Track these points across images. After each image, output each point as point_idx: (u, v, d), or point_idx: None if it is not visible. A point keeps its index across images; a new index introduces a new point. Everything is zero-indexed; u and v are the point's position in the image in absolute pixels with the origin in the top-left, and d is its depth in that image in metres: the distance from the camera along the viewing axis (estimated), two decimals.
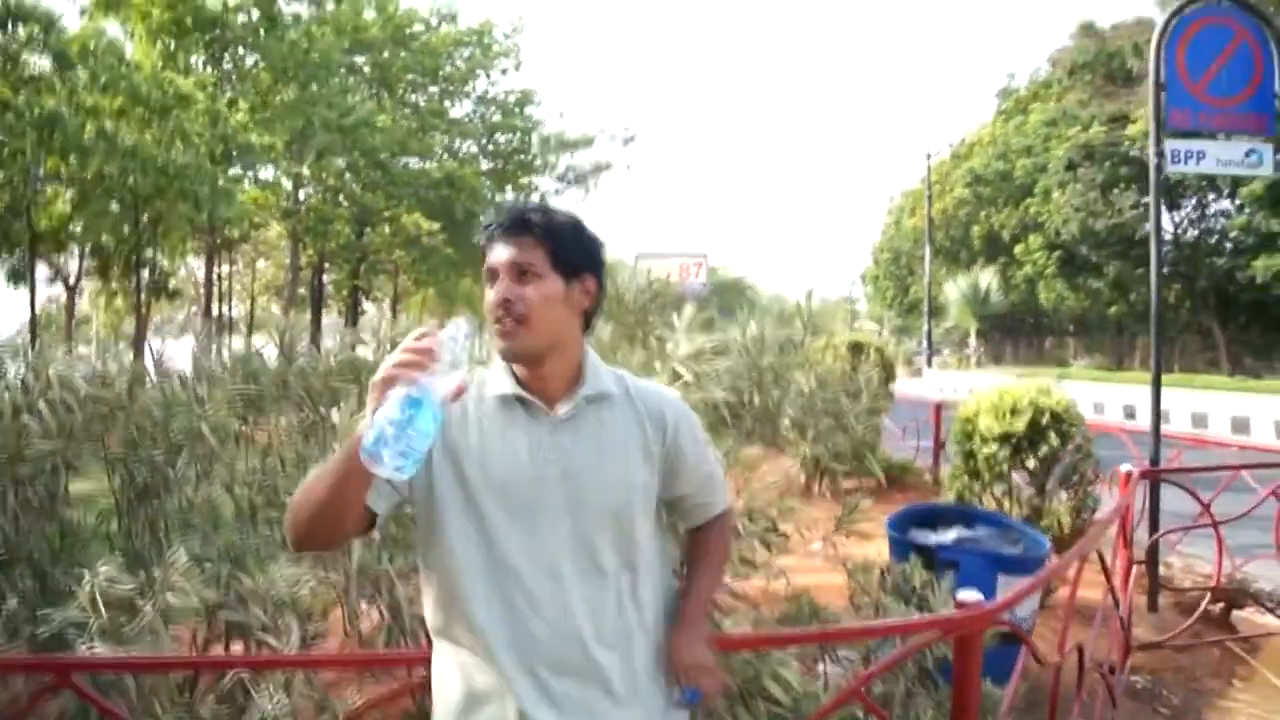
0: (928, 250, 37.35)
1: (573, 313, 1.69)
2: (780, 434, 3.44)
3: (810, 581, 4.75)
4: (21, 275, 22.76)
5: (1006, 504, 5.77)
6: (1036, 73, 43.78)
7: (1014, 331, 47.04)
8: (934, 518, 5.01)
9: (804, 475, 4.18)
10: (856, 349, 10.10)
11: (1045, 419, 5.62)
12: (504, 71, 29.78)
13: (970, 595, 2.45)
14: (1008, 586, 4.25)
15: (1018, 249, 38.59)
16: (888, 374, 9.93)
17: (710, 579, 1.98)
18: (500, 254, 1.66)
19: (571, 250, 1.68)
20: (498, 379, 1.72)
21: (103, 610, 2.53)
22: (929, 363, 37.46)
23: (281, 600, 2.33)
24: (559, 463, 1.66)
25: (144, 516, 3.60)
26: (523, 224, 1.65)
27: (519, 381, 1.70)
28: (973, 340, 39.24)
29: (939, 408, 10.30)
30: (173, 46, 19.61)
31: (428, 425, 1.36)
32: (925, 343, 38.77)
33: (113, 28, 19.24)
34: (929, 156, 38.44)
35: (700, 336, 3.00)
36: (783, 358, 3.45)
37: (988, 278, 37.32)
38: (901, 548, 4.51)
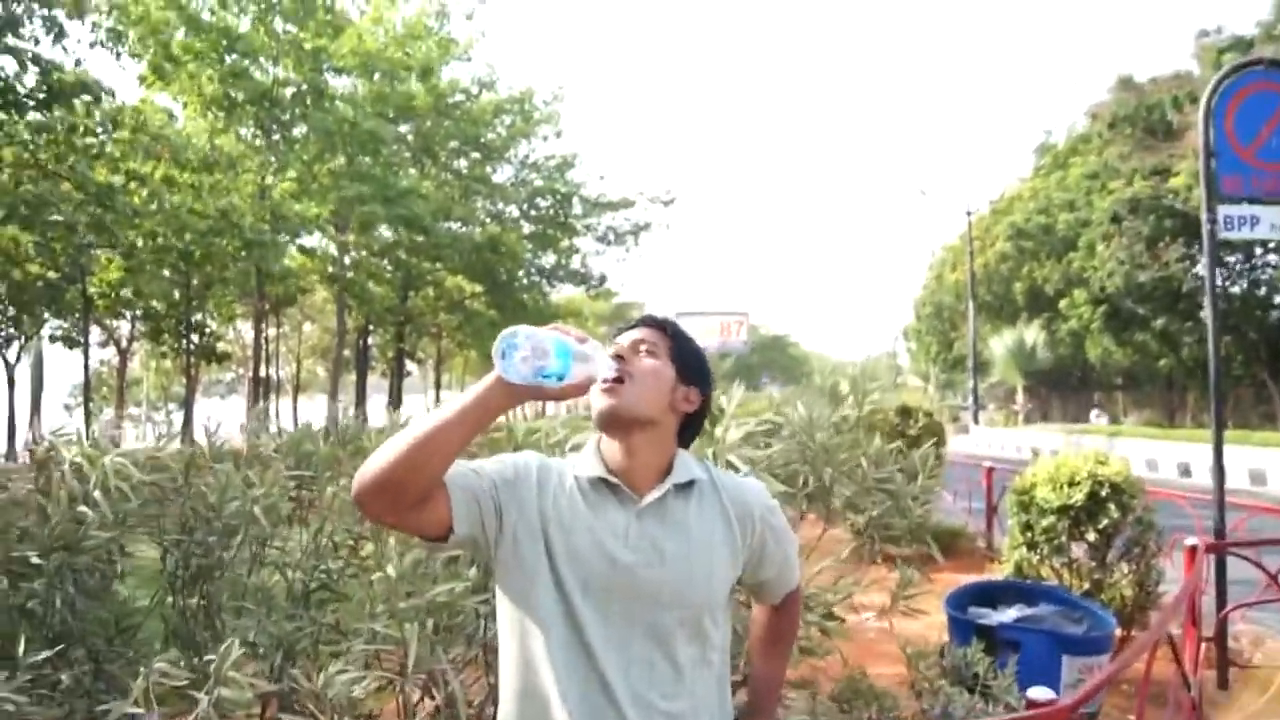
0: (971, 305, 37.08)
1: (673, 408, 1.74)
2: (833, 510, 3.37)
3: (863, 651, 4.64)
4: (75, 340, 23.31)
5: (1066, 577, 5.63)
6: (1074, 127, 43.68)
7: (1061, 386, 46.34)
8: (993, 594, 4.90)
9: (857, 543, 4.07)
10: (905, 413, 9.98)
11: (1104, 490, 5.49)
12: (544, 138, 30.23)
13: (1042, 693, 2.38)
14: (1072, 668, 4.14)
15: (1062, 303, 38.16)
16: (938, 439, 9.75)
17: (781, 661, 2.04)
18: (627, 336, 1.78)
19: (691, 358, 1.79)
20: (587, 461, 1.74)
21: (154, 704, 2.53)
22: (975, 419, 36.97)
23: (339, 702, 2.31)
24: (643, 551, 1.66)
25: (198, 599, 3.61)
26: (658, 321, 1.81)
27: (607, 467, 1.72)
28: (1019, 396, 38.71)
29: (990, 471, 10.09)
30: (223, 119, 20.14)
31: (561, 359, 1.53)
32: (971, 399, 38.29)
33: (167, 100, 19.89)
34: (969, 212, 38.26)
35: (750, 420, 2.98)
36: (836, 437, 3.41)
37: (1033, 333, 36.90)
38: (961, 627, 4.41)
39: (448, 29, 25.06)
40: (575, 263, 32.22)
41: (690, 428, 1.81)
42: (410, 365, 38.06)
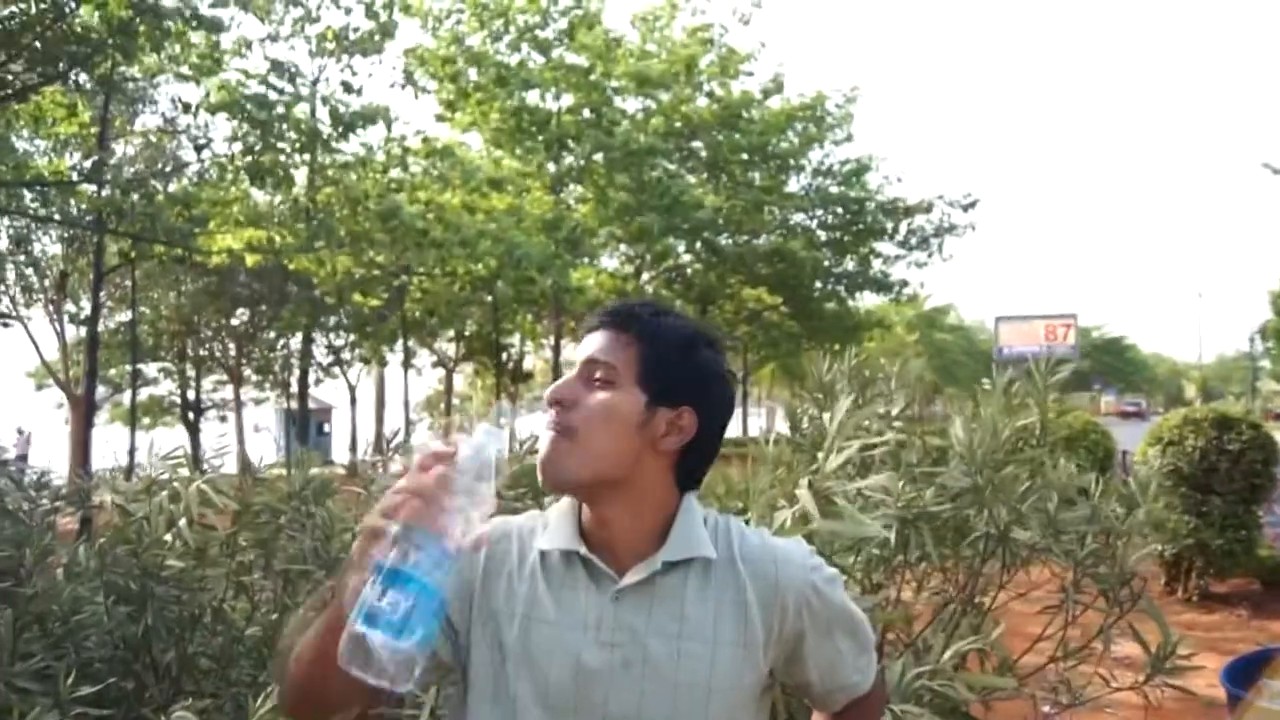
0: None
1: (648, 446, 1.24)
2: (1013, 558, 2.61)
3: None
4: (389, 360, 25.51)
5: None
6: None
7: None
8: None
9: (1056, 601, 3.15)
10: (1224, 424, 8.43)
11: None
12: (837, 143, 29.30)
13: None
14: None
15: None
16: (1267, 456, 8.20)
17: None
18: (584, 347, 1.27)
19: (669, 365, 1.25)
20: (558, 527, 1.28)
21: None
22: None
23: None
24: (620, 648, 1.21)
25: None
26: (622, 317, 1.27)
27: (583, 534, 1.26)
28: None
29: None
30: (515, 150, 21.22)
31: (427, 603, 0.96)
32: None
33: (463, 134, 21.23)
34: None
35: (853, 444, 2.29)
36: (1015, 458, 2.64)
37: None
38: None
39: (725, 40, 24.82)
40: (876, 268, 30.92)
41: (693, 461, 1.29)
42: None
